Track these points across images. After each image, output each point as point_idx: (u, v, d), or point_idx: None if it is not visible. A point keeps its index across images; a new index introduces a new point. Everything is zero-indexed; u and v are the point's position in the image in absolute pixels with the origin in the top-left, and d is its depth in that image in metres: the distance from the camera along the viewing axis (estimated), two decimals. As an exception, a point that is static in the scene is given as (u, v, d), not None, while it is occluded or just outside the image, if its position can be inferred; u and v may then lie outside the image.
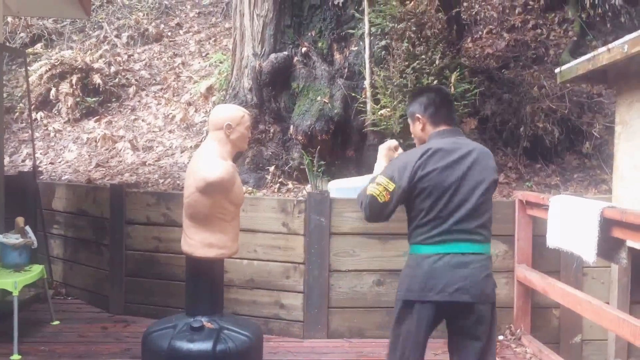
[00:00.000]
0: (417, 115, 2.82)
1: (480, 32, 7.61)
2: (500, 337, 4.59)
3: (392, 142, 3.07)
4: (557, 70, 4.74)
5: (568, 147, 6.00)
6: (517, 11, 7.77)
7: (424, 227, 2.65)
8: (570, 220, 3.62)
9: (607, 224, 3.27)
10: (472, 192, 2.65)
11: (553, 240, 3.88)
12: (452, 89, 5.12)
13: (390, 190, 2.62)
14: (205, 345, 3.24)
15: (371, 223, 2.85)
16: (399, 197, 2.64)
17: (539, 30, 7.42)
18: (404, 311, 2.68)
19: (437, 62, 5.17)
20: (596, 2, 7.04)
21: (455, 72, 5.16)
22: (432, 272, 2.60)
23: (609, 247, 3.32)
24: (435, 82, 5.06)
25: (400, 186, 2.62)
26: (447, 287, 2.58)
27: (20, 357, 4.13)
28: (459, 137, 2.79)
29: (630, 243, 3.38)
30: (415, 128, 2.86)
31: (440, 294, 2.59)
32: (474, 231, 2.67)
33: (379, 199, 2.64)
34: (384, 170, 2.73)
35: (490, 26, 7.68)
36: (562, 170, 5.76)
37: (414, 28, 5.28)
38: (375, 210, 2.67)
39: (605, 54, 3.88)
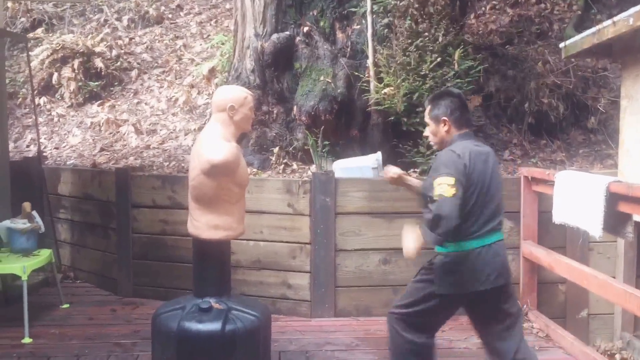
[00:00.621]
0: (444, 118, 2.98)
1: (483, 8, 7.53)
2: (507, 313, 4.61)
3: (394, 171, 3.24)
4: (561, 45, 4.70)
5: (573, 123, 5.97)
6: (520, -14, 7.68)
7: (464, 223, 2.80)
8: (576, 195, 3.61)
9: (613, 199, 3.26)
10: (497, 190, 2.93)
11: (559, 215, 3.88)
12: (456, 66, 5.09)
13: (453, 183, 2.72)
14: (214, 326, 3.27)
15: (452, 229, 2.72)
16: (463, 189, 2.76)
17: (542, 5, 7.34)
18: (445, 303, 2.93)
19: (440, 39, 5.13)
20: (601, -25, 6.96)
21: (458, 49, 5.13)
22: (476, 265, 2.85)
23: (615, 221, 3.32)
24: (438, 59, 5.03)
25: (459, 180, 2.75)
26: (490, 275, 2.85)
27: (31, 340, 4.18)
28: (476, 140, 3.06)
29: (636, 217, 3.37)
30: (440, 129, 3.01)
31: (484, 284, 2.85)
32: (500, 222, 2.95)
33: (447, 195, 2.70)
34: (433, 173, 2.85)
35: (494, 2, 7.60)
36: (567, 145, 5.75)
37: (417, 5, 5.23)
38: (452, 210, 2.68)
39: (610, 27, 3.84)
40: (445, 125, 2.99)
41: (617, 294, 3.36)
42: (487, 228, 2.87)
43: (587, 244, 4.54)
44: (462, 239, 2.85)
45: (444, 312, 3.02)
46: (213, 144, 3.24)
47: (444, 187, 2.71)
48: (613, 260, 4.54)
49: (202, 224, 3.34)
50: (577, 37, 4.41)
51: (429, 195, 2.84)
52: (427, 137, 3.18)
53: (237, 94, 3.42)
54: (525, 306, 4.55)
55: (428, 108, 3.08)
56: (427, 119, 3.09)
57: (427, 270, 3.02)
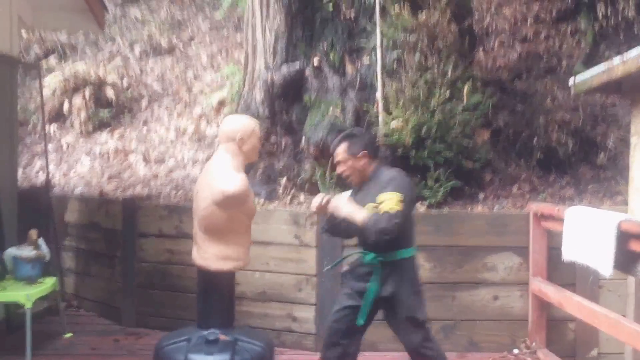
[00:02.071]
0: (364, 151, 3.30)
1: (492, 44, 7.59)
2: (515, 351, 4.54)
3: (322, 197, 3.35)
4: (570, 81, 4.70)
5: (582, 159, 5.94)
6: (528, 22, 7.73)
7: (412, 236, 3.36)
8: (586, 232, 3.58)
9: (624, 237, 3.22)
10: None
11: (568, 253, 3.83)
12: (465, 100, 5.11)
13: (401, 199, 3.07)
14: (223, 358, 3.24)
15: (386, 238, 3.07)
16: (408, 207, 3.16)
17: (551, 41, 7.39)
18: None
19: (449, 73, 5.16)
20: (609, 13, 7.01)
21: (467, 84, 5.16)
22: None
23: (626, 259, 3.27)
24: (447, 93, 5.06)
25: (407, 196, 3.14)
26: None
27: (33, 369, 4.13)
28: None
29: (647, 256, 3.32)
30: (361, 162, 3.32)
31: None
32: None
33: (392, 212, 3.04)
34: (387, 189, 3.13)
35: (502, 37, 7.66)
36: (576, 181, 5.71)
37: (426, 40, 5.28)
38: (398, 219, 3.04)
39: (620, 65, 3.85)
40: (364, 158, 3.30)
41: (628, 334, 3.29)
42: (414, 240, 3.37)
43: (597, 281, 4.48)
44: (408, 246, 3.29)
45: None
46: (225, 175, 3.25)
47: (392, 202, 3.05)
48: (624, 299, 4.47)
49: (211, 255, 3.32)
50: (587, 74, 4.42)
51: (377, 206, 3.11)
52: (342, 173, 3.40)
53: (247, 125, 3.44)
54: (534, 344, 4.48)
55: (343, 146, 3.33)
56: (341, 157, 3.33)
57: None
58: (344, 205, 3.26)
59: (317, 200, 3.32)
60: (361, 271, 3.36)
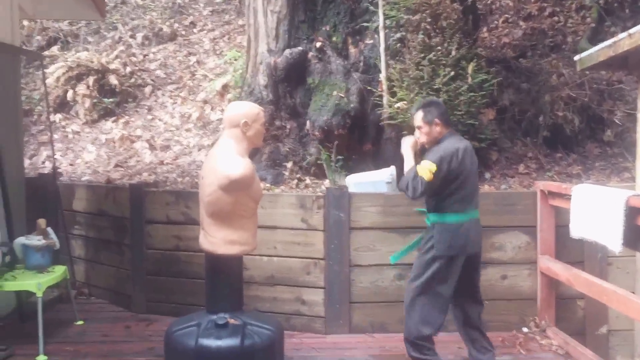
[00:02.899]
0: (437, 120, 3.67)
1: (496, 22, 7.52)
2: (525, 330, 4.55)
3: (413, 137, 3.82)
4: (576, 57, 4.65)
5: (589, 136, 5.91)
6: (533, -1, 7.66)
7: (458, 202, 3.59)
8: (594, 209, 3.56)
9: (632, 213, 3.21)
10: (476, 177, 3.76)
11: (577, 230, 3.82)
12: (470, 79, 5.07)
13: (434, 172, 3.47)
14: (233, 341, 3.27)
15: (415, 199, 3.65)
16: (438, 179, 3.50)
17: (556, 18, 7.31)
18: (446, 266, 3.58)
19: (453, 53, 5.12)
20: (614, -13, 6.93)
21: (472, 63, 5.12)
22: (467, 232, 3.60)
23: (634, 236, 3.26)
24: (451, 73, 5.02)
25: (442, 170, 3.49)
26: (475, 242, 3.68)
27: (46, 357, 4.16)
28: (459, 135, 3.87)
29: (656, 231, 3.31)
30: (434, 130, 3.69)
31: (471, 248, 3.64)
32: (477, 202, 3.74)
33: (425, 178, 3.47)
34: (428, 157, 3.55)
35: (507, 15, 7.58)
36: (583, 159, 5.68)
37: (429, 19, 5.23)
38: (422, 188, 3.50)
39: (626, 39, 3.80)
40: (437, 126, 3.67)
41: (637, 310, 3.29)
42: (470, 206, 3.64)
43: (605, 258, 4.47)
44: (455, 211, 3.59)
45: (452, 276, 3.62)
46: (229, 160, 3.26)
47: (426, 171, 3.47)
48: (632, 275, 4.46)
49: (219, 240, 3.34)
50: (593, 49, 4.37)
51: (417, 167, 3.55)
52: (419, 138, 3.76)
53: (250, 110, 3.46)
54: (543, 322, 4.49)
55: (420, 114, 3.71)
56: (419, 123, 3.72)
57: (425, 242, 3.69)
58: (406, 146, 3.78)
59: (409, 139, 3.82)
60: None
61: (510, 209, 4.61)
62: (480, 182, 5.15)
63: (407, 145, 3.80)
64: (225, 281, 3.49)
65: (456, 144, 3.61)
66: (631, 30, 3.75)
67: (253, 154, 5.44)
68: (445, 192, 3.58)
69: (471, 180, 3.65)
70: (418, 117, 3.73)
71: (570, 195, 3.91)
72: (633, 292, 4.14)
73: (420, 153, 3.81)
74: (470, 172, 3.61)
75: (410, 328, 3.66)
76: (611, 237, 3.35)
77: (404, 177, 3.68)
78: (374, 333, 4.63)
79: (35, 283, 4.26)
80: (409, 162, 3.73)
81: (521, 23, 7.35)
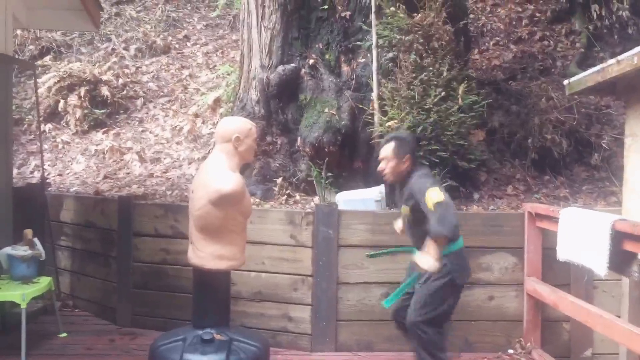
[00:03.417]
0: (409, 154, 3.56)
1: (487, 44, 7.62)
2: (510, 351, 4.55)
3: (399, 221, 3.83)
4: (565, 82, 4.72)
5: (576, 159, 5.97)
6: (523, 23, 7.78)
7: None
8: (581, 232, 3.59)
9: (618, 237, 3.24)
10: None
11: (563, 253, 3.85)
12: (460, 100, 5.12)
13: (439, 191, 3.31)
14: (218, 357, 3.27)
15: (455, 226, 3.31)
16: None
17: (546, 42, 7.42)
18: (452, 292, 3.52)
19: (444, 73, 5.17)
20: (603, 14, 7.05)
21: (462, 84, 5.17)
22: (466, 260, 3.63)
23: (620, 260, 3.29)
24: (442, 93, 5.07)
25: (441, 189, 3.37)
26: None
27: (27, 369, 4.12)
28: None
29: (641, 256, 3.34)
30: (402, 165, 3.56)
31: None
32: None
33: (441, 200, 3.25)
34: (414, 191, 3.43)
35: (497, 38, 7.69)
36: (570, 182, 5.74)
37: (422, 40, 5.28)
38: (450, 210, 3.29)
39: (614, 65, 3.87)
40: (407, 162, 3.55)
41: (622, 334, 3.31)
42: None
43: (591, 282, 4.49)
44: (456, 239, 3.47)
45: (453, 302, 3.57)
46: (220, 175, 3.28)
47: (435, 194, 3.26)
48: (618, 299, 4.49)
49: (207, 254, 3.34)
50: (582, 74, 4.44)
51: (426, 211, 3.31)
52: (382, 170, 3.63)
53: (243, 125, 3.48)
54: (529, 344, 4.50)
55: (392, 145, 3.57)
56: (388, 154, 3.57)
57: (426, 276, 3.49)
58: (422, 261, 3.40)
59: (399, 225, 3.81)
60: None
61: (498, 230, 4.64)
62: (468, 202, 5.19)
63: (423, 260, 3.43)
64: (212, 296, 3.48)
65: (423, 175, 3.53)
66: (619, 57, 3.82)
67: (243, 169, 5.46)
68: None
69: None
70: (388, 149, 3.59)
71: (558, 218, 3.94)
72: (618, 316, 4.17)
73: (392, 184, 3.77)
74: None
75: None
76: (597, 261, 3.38)
77: (435, 225, 3.26)
78: (359, 352, 4.62)
79: (19, 294, 4.22)
80: (430, 254, 3.35)
81: (512, 46, 7.46)
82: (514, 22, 7.88)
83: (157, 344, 3.46)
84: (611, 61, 3.93)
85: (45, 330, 4.95)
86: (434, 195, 3.26)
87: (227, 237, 3.36)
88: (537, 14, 7.86)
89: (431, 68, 5.18)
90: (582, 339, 4.52)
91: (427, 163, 4.75)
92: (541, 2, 7.96)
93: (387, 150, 3.60)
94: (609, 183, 5.64)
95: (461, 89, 5.13)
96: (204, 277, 3.43)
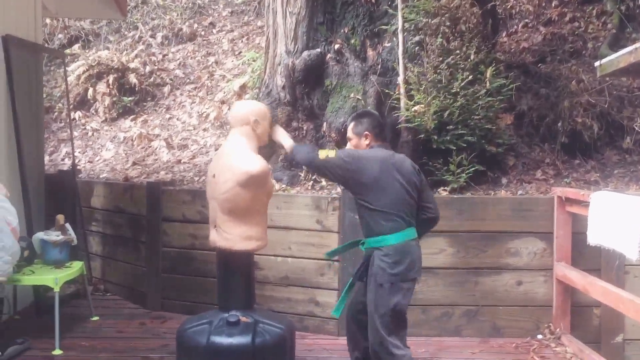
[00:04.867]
0: (367, 132, 3.48)
1: (515, 26, 7.47)
2: (539, 337, 4.52)
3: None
4: (596, 63, 4.61)
5: (608, 143, 5.84)
6: (553, 4, 7.59)
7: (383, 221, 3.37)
8: (612, 216, 3.53)
9: (651, 221, 3.18)
10: (401, 193, 3.38)
11: (594, 237, 3.79)
12: (488, 84, 5.06)
13: (334, 153, 3.34)
14: (244, 339, 3.30)
15: (309, 168, 3.65)
16: (335, 166, 3.36)
17: (576, 24, 7.24)
18: (410, 287, 3.38)
19: (472, 57, 5.10)
20: (636, -7, 6.85)
21: (490, 67, 5.10)
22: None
23: (652, 244, 3.23)
24: (470, 77, 5.01)
25: (340, 158, 3.35)
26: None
27: (61, 352, 4.22)
28: (389, 150, 3.57)
29: (675, 240, 3.27)
30: (362, 143, 3.49)
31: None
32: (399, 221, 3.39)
33: (330, 156, 3.33)
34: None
35: (526, 20, 7.53)
36: (601, 166, 5.63)
37: (448, 23, 5.22)
38: (317, 162, 3.36)
39: (648, 46, 3.77)
40: (366, 138, 3.47)
41: (654, 319, 3.26)
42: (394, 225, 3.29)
43: (622, 267, 4.42)
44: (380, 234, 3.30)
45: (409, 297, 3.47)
46: (245, 156, 3.33)
47: (327, 152, 3.33)
48: (650, 284, 4.42)
49: (235, 236, 3.38)
50: (613, 55, 4.33)
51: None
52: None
53: (259, 108, 3.59)
54: (558, 330, 4.46)
55: (352, 124, 3.54)
56: (349, 134, 3.56)
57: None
58: (278, 130, 3.66)
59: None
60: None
61: (526, 214, 4.59)
62: (496, 187, 5.13)
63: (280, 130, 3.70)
64: (237, 279, 3.52)
65: (377, 152, 3.40)
66: (653, 37, 3.72)
67: (269, 154, 5.48)
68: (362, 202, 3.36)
69: (390, 193, 3.29)
70: (348, 128, 3.58)
71: (588, 202, 3.88)
72: (650, 301, 4.10)
73: None
74: (387, 184, 3.29)
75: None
76: (629, 245, 3.32)
77: (295, 151, 3.52)
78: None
79: (52, 278, 4.31)
80: (286, 140, 3.60)
81: (541, 28, 7.30)
82: (543, 4, 7.69)
83: (184, 327, 3.51)
84: (644, 41, 3.83)
85: (77, 313, 5.07)
86: (324, 152, 3.36)
87: (254, 218, 3.41)
88: (568, -5, 7.68)
89: (458, 51, 5.12)
90: (612, 324, 4.46)
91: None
92: (572, -18, 7.78)
93: (348, 130, 3.59)
94: (641, 166, 5.52)
95: (489, 72, 5.06)
96: (230, 260, 3.47)
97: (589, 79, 6.05)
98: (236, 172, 3.29)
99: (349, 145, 3.58)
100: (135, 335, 4.69)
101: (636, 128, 5.74)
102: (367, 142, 3.48)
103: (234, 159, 3.35)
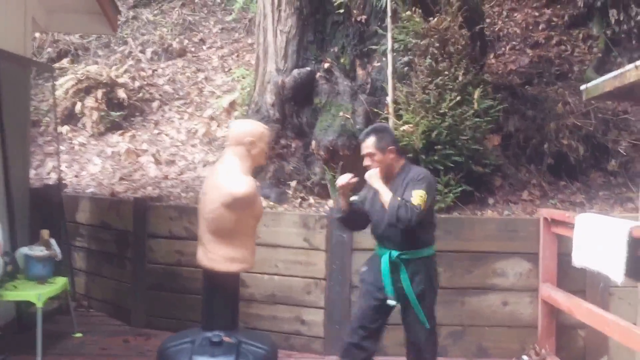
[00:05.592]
0: (391, 147, 3.41)
1: (503, 49, 7.57)
2: (525, 357, 4.52)
3: (377, 170, 3.45)
4: (582, 87, 4.67)
5: (593, 165, 5.91)
6: (540, 27, 7.72)
7: (432, 231, 3.55)
8: (597, 239, 3.56)
9: (635, 244, 3.20)
10: None
11: (579, 259, 3.81)
12: (476, 105, 5.10)
13: (426, 200, 3.26)
14: (227, 360, 3.26)
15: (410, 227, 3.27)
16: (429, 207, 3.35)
17: (562, 47, 7.36)
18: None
19: (460, 78, 5.16)
20: (621, 18, 6.97)
21: (478, 89, 5.15)
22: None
23: (637, 267, 3.25)
24: (458, 98, 5.05)
25: (430, 197, 3.32)
26: None
27: (43, 369, 4.16)
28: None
29: (659, 263, 3.30)
30: (387, 158, 3.40)
31: None
32: None
33: (422, 207, 3.23)
34: (417, 186, 3.30)
35: (514, 42, 7.64)
36: (587, 187, 5.68)
37: (437, 44, 5.27)
38: (417, 216, 3.21)
39: (633, 71, 3.82)
40: (391, 153, 3.39)
41: (638, 341, 3.28)
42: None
43: (607, 288, 4.45)
44: (431, 244, 3.47)
45: None
46: (233, 178, 3.30)
47: (421, 200, 3.23)
48: (634, 306, 4.42)
49: (219, 257, 3.35)
50: (599, 79, 4.39)
51: (405, 199, 3.26)
52: (368, 167, 3.44)
53: (256, 129, 3.52)
54: (543, 350, 4.46)
55: (372, 139, 3.40)
56: (370, 149, 3.40)
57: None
58: (377, 178, 3.39)
59: (345, 177, 3.42)
60: (379, 269, 3.48)
61: (512, 235, 4.61)
62: (483, 207, 5.16)
63: (376, 177, 3.42)
64: (221, 299, 3.50)
65: (428, 172, 3.51)
66: (638, 62, 3.77)
67: (256, 171, 5.47)
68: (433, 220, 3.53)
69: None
70: (369, 143, 3.41)
71: (574, 224, 3.90)
72: (634, 324, 4.12)
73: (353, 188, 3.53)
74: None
75: None
76: (613, 268, 3.34)
77: (391, 208, 3.29)
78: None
79: (35, 294, 4.26)
80: (386, 191, 3.36)
81: (528, 51, 7.40)
82: (530, 27, 7.82)
83: (166, 346, 3.47)
84: (629, 66, 3.88)
85: (60, 330, 5.00)
86: (417, 196, 3.24)
87: (239, 240, 3.38)
88: (554, 19, 7.79)
89: (447, 72, 5.17)
90: (597, 346, 4.48)
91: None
92: (558, 6, 7.90)
93: (368, 144, 3.42)
94: (625, 189, 5.58)
95: (477, 93, 5.11)
96: (214, 279, 3.45)
97: (575, 101, 6.13)
98: (222, 193, 3.28)
99: (367, 161, 3.44)
100: (119, 352, 4.64)
101: (621, 151, 5.81)
102: (392, 156, 3.41)
103: (222, 179, 3.34)
